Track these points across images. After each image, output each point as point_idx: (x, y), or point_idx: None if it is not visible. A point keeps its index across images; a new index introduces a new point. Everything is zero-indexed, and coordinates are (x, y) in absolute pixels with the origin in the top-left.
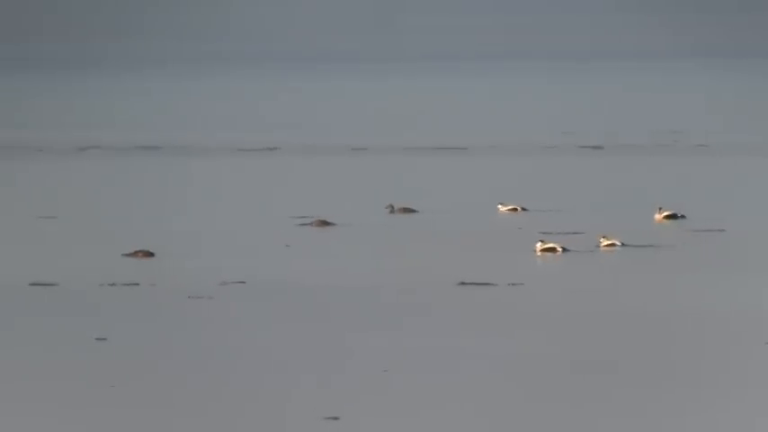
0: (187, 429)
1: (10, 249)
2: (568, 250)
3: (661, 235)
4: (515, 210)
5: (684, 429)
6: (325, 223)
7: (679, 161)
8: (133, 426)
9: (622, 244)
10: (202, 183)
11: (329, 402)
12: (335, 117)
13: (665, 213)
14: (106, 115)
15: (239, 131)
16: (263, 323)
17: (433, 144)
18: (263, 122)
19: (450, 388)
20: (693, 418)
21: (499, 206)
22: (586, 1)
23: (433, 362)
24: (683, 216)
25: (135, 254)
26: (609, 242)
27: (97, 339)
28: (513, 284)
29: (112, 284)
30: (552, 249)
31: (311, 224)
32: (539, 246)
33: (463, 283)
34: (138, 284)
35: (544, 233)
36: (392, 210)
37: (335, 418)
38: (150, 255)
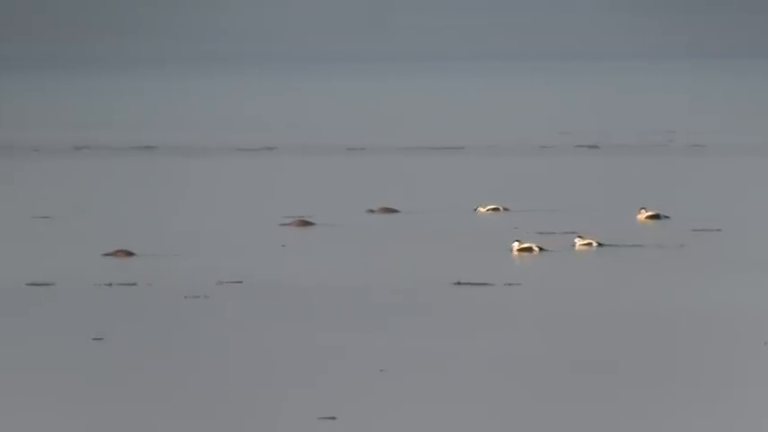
0: (183, 429)
1: (6, 249)
2: (545, 250)
3: (642, 235)
4: (497, 209)
5: (685, 430)
6: (305, 223)
7: (672, 161)
8: (129, 425)
9: (599, 244)
10: (198, 182)
11: (325, 402)
12: (332, 117)
13: (648, 213)
14: (102, 115)
15: (236, 131)
16: (259, 323)
17: (430, 144)
18: (260, 122)
19: (448, 388)
20: (694, 419)
21: (479, 207)
22: (581, 1)
23: (430, 362)
24: (666, 216)
25: (115, 253)
26: (585, 242)
27: (94, 339)
28: (509, 284)
29: (109, 284)
30: (529, 249)
31: (291, 224)
32: (515, 245)
33: (459, 283)
34: (134, 284)
35: (541, 233)
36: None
37: (332, 418)
38: (130, 254)
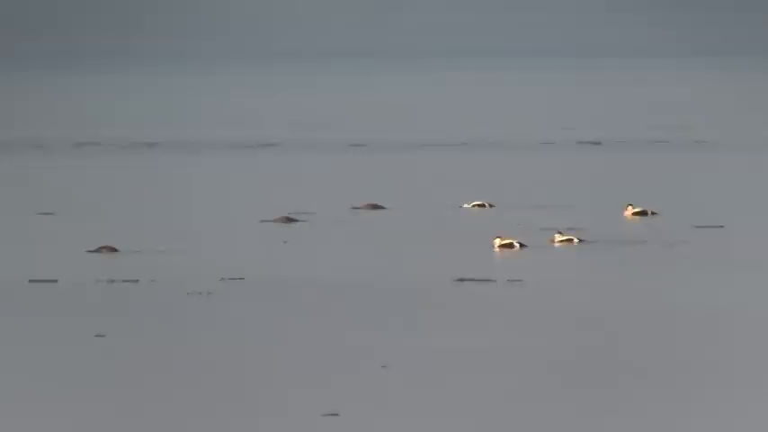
0: (186, 425)
1: (8, 246)
2: (526, 246)
3: (627, 231)
4: (482, 206)
5: (686, 430)
6: (289, 220)
7: (673, 157)
8: (132, 422)
9: (579, 240)
10: (199, 179)
11: (328, 399)
12: (335, 113)
13: (635, 210)
14: (104, 112)
15: (237, 128)
16: (262, 319)
17: (432, 141)
18: (261, 119)
19: (450, 384)
20: (694, 419)
21: (465, 204)
22: None
23: (432, 358)
24: (654, 213)
25: (99, 249)
26: (564, 238)
27: (96, 336)
28: (512, 281)
29: (112, 281)
30: (510, 245)
31: (273, 221)
32: (497, 242)
33: (461, 280)
34: (137, 281)
35: (545, 229)
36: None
37: (335, 415)
38: (115, 250)
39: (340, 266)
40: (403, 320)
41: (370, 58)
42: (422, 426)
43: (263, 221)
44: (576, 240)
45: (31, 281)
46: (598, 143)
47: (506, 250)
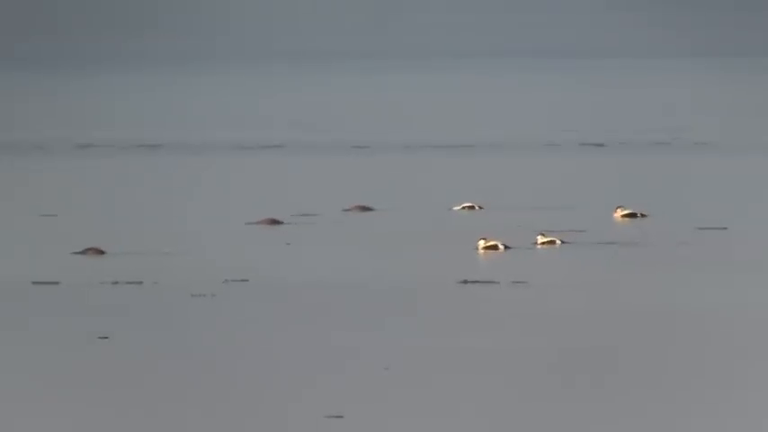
0: (190, 428)
1: (11, 248)
2: (510, 248)
3: (613, 233)
4: (472, 208)
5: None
6: (274, 222)
7: (675, 159)
8: (135, 424)
9: (561, 242)
10: (202, 181)
11: (332, 400)
12: (339, 114)
13: (625, 212)
14: (107, 113)
15: (242, 129)
16: (266, 321)
17: (435, 142)
18: (265, 120)
19: (454, 386)
20: (695, 420)
21: (454, 206)
22: None
23: (436, 360)
24: (643, 215)
25: (85, 251)
26: (546, 240)
27: (99, 338)
28: (516, 282)
29: (115, 282)
30: (494, 247)
31: (257, 223)
32: (481, 243)
33: (465, 282)
34: (141, 283)
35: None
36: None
37: (339, 417)
38: (101, 252)
39: (340, 268)
40: (405, 322)
41: (373, 59)
42: (425, 427)
43: (248, 224)
44: (558, 242)
45: (33, 282)
46: (601, 145)
47: (490, 252)
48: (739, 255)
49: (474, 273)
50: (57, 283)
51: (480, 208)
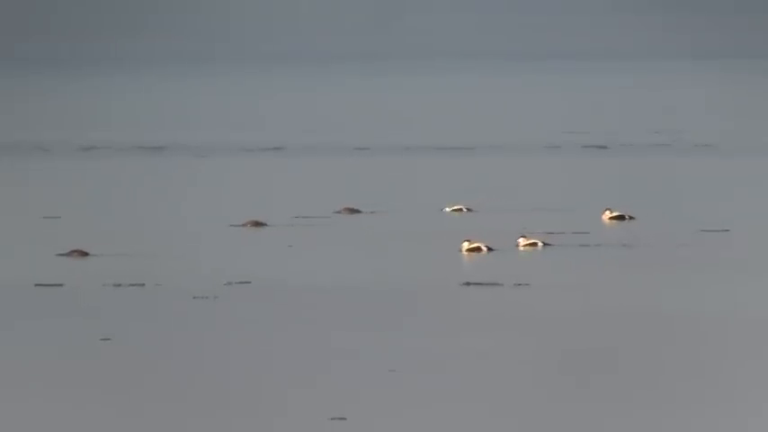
0: (191, 428)
1: (14, 250)
2: (493, 250)
3: (599, 235)
4: (461, 210)
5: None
6: (257, 224)
7: (677, 161)
8: (138, 425)
9: (544, 244)
10: (205, 183)
11: (336, 402)
12: (341, 116)
13: (613, 214)
14: (110, 115)
15: (244, 131)
16: (269, 323)
17: (437, 144)
18: (268, 122)
19: (459, 388)
20: (695, 420)
21: (446, 208)
22: (588, 1)
23: (439, 362)
24: (631, 217)
25: (69, 253)
26: (528, 242)
27: (102, 339)
28: (518, 284)
29: (118, 285)
30: (477, 249)
31: (243, 225)
32: (465, 245)
33: (468, 284)
34: (143, 285)
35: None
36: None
37: (342, 419)
38: (85, 254)
39: (338, 270)
40: (410, 324)
41: (375, 61)
42: (429, 429)
43: (231, 226)
44: (540, 244)
45: (36, 285)
46: (602, 147)
47: (474, 254)
48: (741, 257)
49: (458, 275)
50: (60, 285)
51: (469, 210)
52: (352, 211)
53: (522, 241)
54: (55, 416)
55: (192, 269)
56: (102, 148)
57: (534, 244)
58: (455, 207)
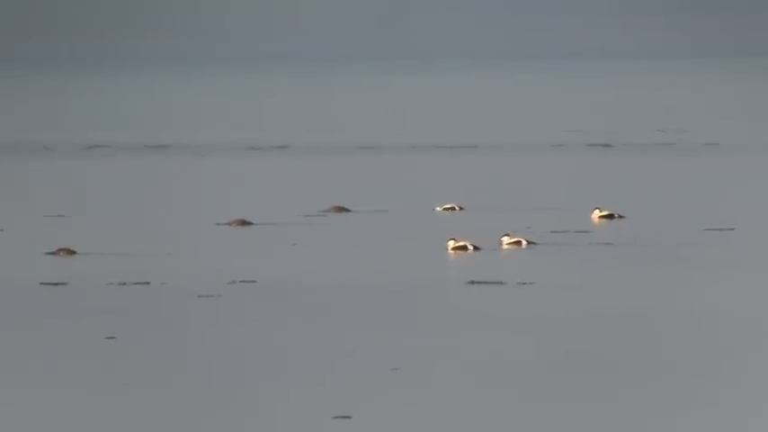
0: (196, 427)
1: (19, 248)
2: (480, 248)
3: (587, 234)
4: (452, 209)
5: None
6: (244, 223)
7: (681, 160)
8: (142, 425)
9: (528, 242)
10: (210, 181)
11: (340, 401)
12: (345, 115)
13: (602, 213)
14: (114, 114)
15: (248, 130)
16: (273, 322)
17: (440, 143)
18: (272, 121)
19: (462, 386)
20: (697, 420)
21: (437, 207)
22: (590, 1)
23: (443, 360)
24: (620, 216)
25: (57, 252)
26: (512, 241)
27: (106, 338)
28: (523, 283)
29: (122, 284)
30: (463, 248)
31: (229, 224)
32: (450, 244)
33: (473, 282)
34: (148, 283)
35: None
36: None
37: (347, 417)
38: (72, 253)
39: (341, 268)
40: (413, 322)
41: (376, 61)
42: (433, 428)
43: (218, 224)
44: (524, 243)
45: (41, 283)
46: (605, 145)
47: (460, 252)
48: (744, 255)
49: (451, 273)
50: (65, 284)
51: (461, 209)
52: (340, 209)
53: (505, 240)
54: (59, 415)
55: (197, 268)
56: (105, 147)
57: (518, 242)
58: (446, 206)
